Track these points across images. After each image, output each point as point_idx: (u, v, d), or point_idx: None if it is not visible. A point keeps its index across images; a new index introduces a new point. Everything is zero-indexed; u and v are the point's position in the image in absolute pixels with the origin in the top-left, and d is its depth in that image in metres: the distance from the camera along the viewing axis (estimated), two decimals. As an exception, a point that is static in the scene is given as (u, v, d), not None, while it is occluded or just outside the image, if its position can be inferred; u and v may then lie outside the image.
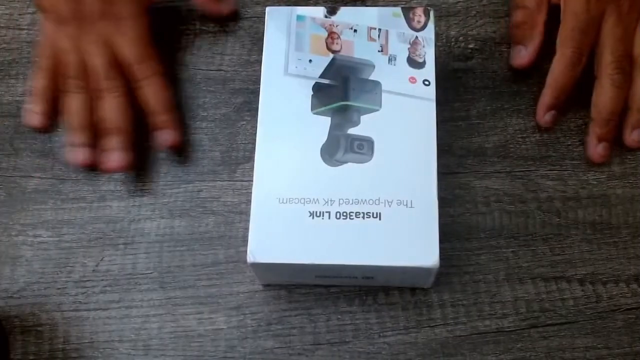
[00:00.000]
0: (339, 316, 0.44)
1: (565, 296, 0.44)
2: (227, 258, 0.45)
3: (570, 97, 0.49)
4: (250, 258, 0.39)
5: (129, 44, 0.47)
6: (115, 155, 0.46)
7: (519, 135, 0.48)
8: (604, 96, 0.46)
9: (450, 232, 0.45)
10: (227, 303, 0.44)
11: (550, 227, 0.45)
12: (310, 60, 0.43)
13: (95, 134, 0.47)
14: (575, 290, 0.44)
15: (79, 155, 0.46)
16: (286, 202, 0.40)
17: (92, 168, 0.47)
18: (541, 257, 0.45)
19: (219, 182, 0.47)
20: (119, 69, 0.47)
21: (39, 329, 0.44)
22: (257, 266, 0.40)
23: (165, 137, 0.47)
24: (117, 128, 0.46)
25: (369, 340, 0.43)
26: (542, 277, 0.44)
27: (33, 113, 0.48)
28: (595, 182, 0.47)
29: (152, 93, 0.47)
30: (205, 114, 0.49)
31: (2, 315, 0.44)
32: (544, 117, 0.47)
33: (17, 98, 0.50)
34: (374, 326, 0.43)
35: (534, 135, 0.48)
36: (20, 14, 0.53)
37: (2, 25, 0.52)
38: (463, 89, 0.49)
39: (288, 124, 0.42)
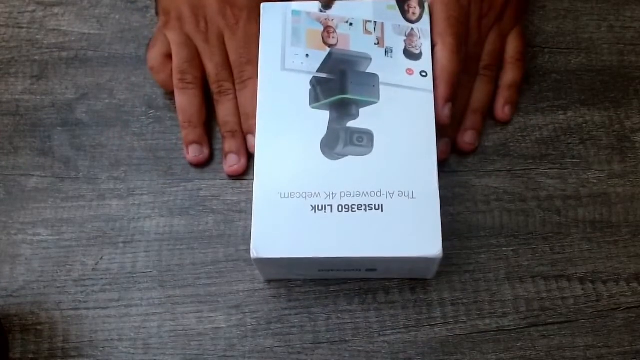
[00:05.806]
0: (339, 315, 0.43)
1: (565, 295, 0.44)
2: (226, 257, 0.45)
3: (573, 97, 0.48)
4: (253, 254, 0.39)
5: (236, 46, 0.46)
6: (232, 159, 0.46)
7: (519, 134, 0.48)
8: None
9: (450, 231, 0.45)
10: (226, 302, 0.44)
11: (550, 225, 0.45)
12: (307, 55, 0.44)
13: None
14: (575, 289, 0.44)
15: (188, 153, 0.47)
16: (288, 197, 0.40)
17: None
18: (541, 255, 0.45)
19: (218, 180, 0.47)
20: (230, 70, 0.47)
21: (38, 327, 0.44)
22: (260, 262, 0.40)
23: (250, 142, 0.46)
24: (232, 132, 0.47)
25: (369, 339, 0.43)
26: (542, 276, 0.44)
27: None
28: (595, 181, 0.46)
29: (244, 98, 0.46)
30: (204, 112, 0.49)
31: (2, 314, 0.44)
32: (443, 110, 0.43)
33: (17, 97, 0.50)
34: (373, 325, 0.43)
35: (534, 133, 0.48)
36: (19, 12, 0.53)
37: (1, 23, 0.52)
38: (463, 88, 0.49)
39: (287, 119, 0.42)
